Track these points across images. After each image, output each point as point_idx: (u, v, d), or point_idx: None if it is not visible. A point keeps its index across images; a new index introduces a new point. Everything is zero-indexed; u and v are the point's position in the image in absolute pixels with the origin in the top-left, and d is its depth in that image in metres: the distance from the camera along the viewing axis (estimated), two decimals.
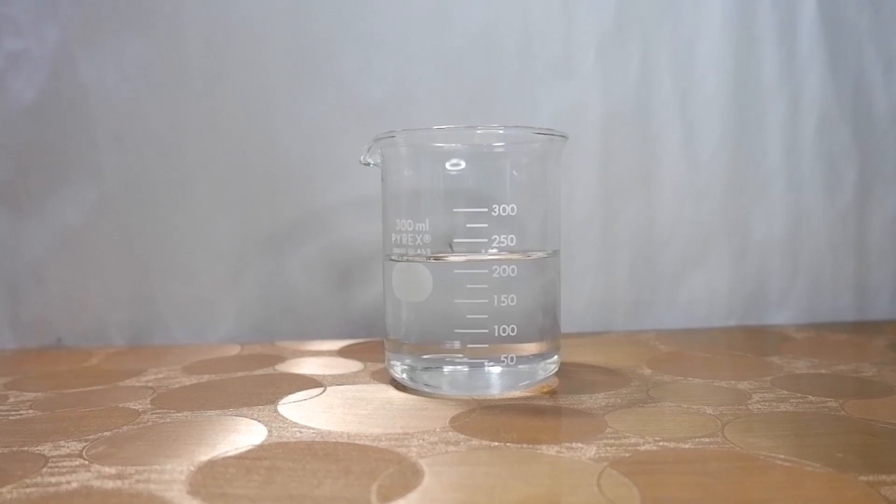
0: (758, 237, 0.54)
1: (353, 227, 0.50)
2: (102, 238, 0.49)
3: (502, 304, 0.32)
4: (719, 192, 0.54)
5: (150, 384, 0.36)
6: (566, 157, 0.52)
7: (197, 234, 0.49)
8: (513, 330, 0.32)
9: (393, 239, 0.34)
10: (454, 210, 0.33)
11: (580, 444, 0.26)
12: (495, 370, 0.33)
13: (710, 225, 0.54)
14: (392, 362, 0.35)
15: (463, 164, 0.33)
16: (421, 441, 0.26)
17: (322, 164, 0.50)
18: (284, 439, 0.27)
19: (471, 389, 0.33)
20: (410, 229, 0.33)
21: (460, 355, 0.32)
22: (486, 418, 0.29)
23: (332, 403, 0.32)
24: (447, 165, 0.33)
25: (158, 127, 0.49)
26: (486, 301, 0.32)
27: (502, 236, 0.32)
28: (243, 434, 0.28)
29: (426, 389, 0.33)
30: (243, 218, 0.50)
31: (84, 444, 0.27)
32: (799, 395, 0.32)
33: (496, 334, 0.32)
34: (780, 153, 0.54)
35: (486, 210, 0.32)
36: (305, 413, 0.30)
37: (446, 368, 0.33)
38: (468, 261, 0.32)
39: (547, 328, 0.35)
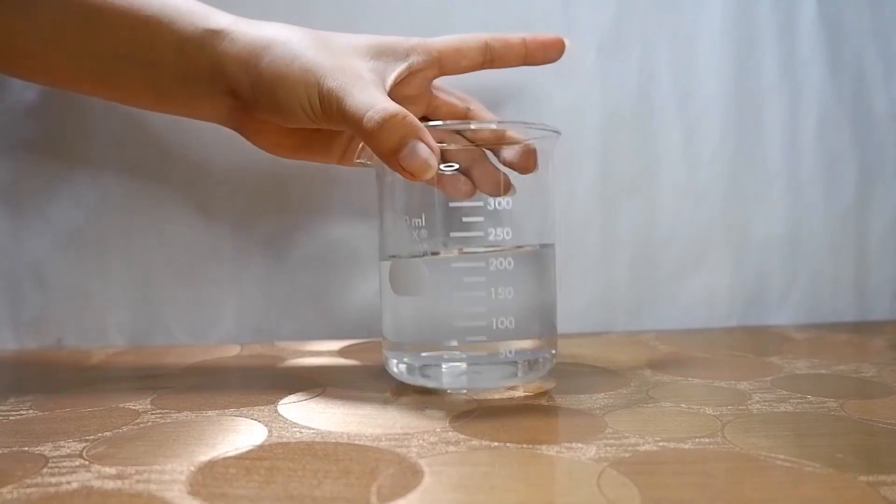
0: (758, 237, 0.54)
1: (352, 227, 0.50)
2: (102, 238, 0.49)
3: (500, 298, 0.32)
4: (719, 192, 0.54)
5: (150, 384, 0.36)
6: (566, 156, 0.52)
7: (197, 234, 0.49)
8: (511, 323, 0.32)
9: (388, 236, 0.34)
10: (450, 205, 0.33)
11: (580, 445, 0.26)
12: (493, 365, 0.33)
13: (710, 225, 0.54)
14: (390, 360, 0.35)
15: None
16: (421, 441, 0.26)
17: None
18: (284, 439, 0.27)
19: (469, 385, 0.33)
20: (406, 226, 0.33)
21: (458, 351, 0.32)
22: (486, 418, 0.29)
23: (331, 403, 0.32)
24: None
25: (158, 127, 0.49)
26: (484, 294, 0.32)
27: (498, 230, 0.32)
28: (243, 434, 0.28)
29: (424, 384, 0.33)
30: (243, 217, 0.50)
31: (84, 444, 0.27)
32: (799, 395, 0.32)
33: (494, 327, 0.32)
34: (780, 153, 0.54)
35: (481, 204, 0.32)
36: (305, 413, 0.30)
37: (444, 365, 0.33)
38: (464, 255, 0.32)
39: (545, 322, 0.35)
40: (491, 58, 0.40)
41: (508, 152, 0.36)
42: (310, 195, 0.50)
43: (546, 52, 0.42)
